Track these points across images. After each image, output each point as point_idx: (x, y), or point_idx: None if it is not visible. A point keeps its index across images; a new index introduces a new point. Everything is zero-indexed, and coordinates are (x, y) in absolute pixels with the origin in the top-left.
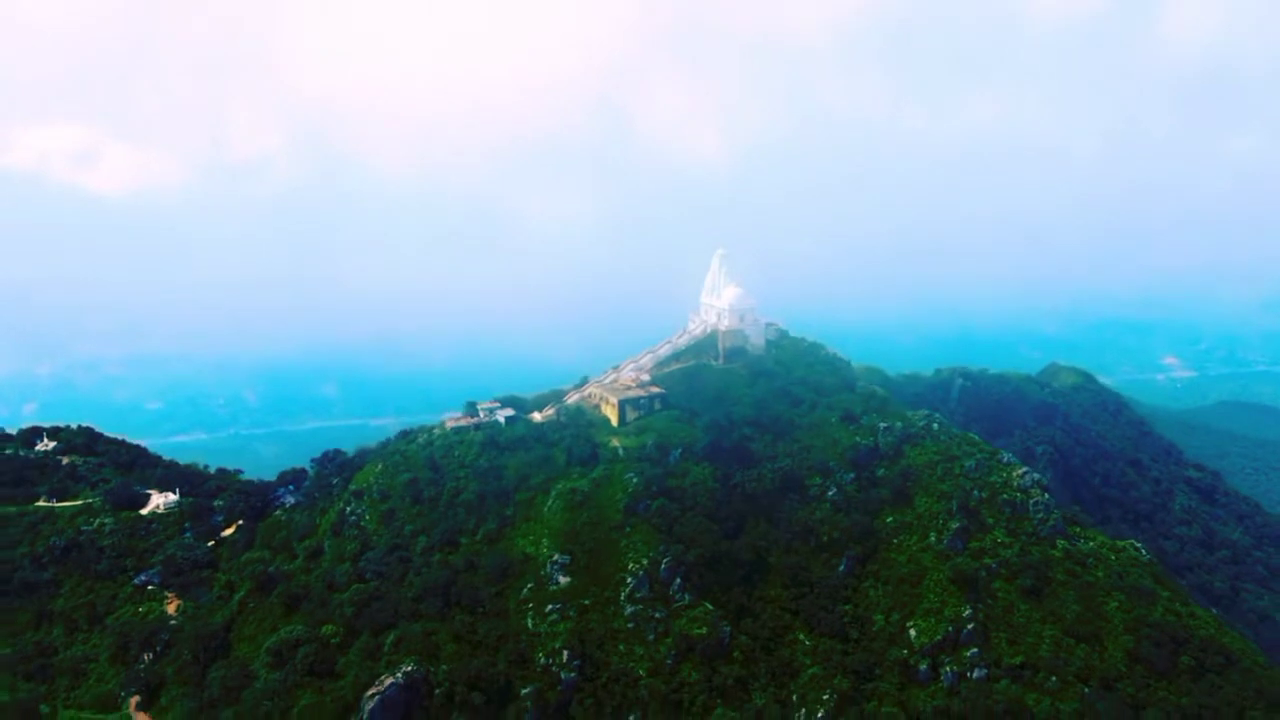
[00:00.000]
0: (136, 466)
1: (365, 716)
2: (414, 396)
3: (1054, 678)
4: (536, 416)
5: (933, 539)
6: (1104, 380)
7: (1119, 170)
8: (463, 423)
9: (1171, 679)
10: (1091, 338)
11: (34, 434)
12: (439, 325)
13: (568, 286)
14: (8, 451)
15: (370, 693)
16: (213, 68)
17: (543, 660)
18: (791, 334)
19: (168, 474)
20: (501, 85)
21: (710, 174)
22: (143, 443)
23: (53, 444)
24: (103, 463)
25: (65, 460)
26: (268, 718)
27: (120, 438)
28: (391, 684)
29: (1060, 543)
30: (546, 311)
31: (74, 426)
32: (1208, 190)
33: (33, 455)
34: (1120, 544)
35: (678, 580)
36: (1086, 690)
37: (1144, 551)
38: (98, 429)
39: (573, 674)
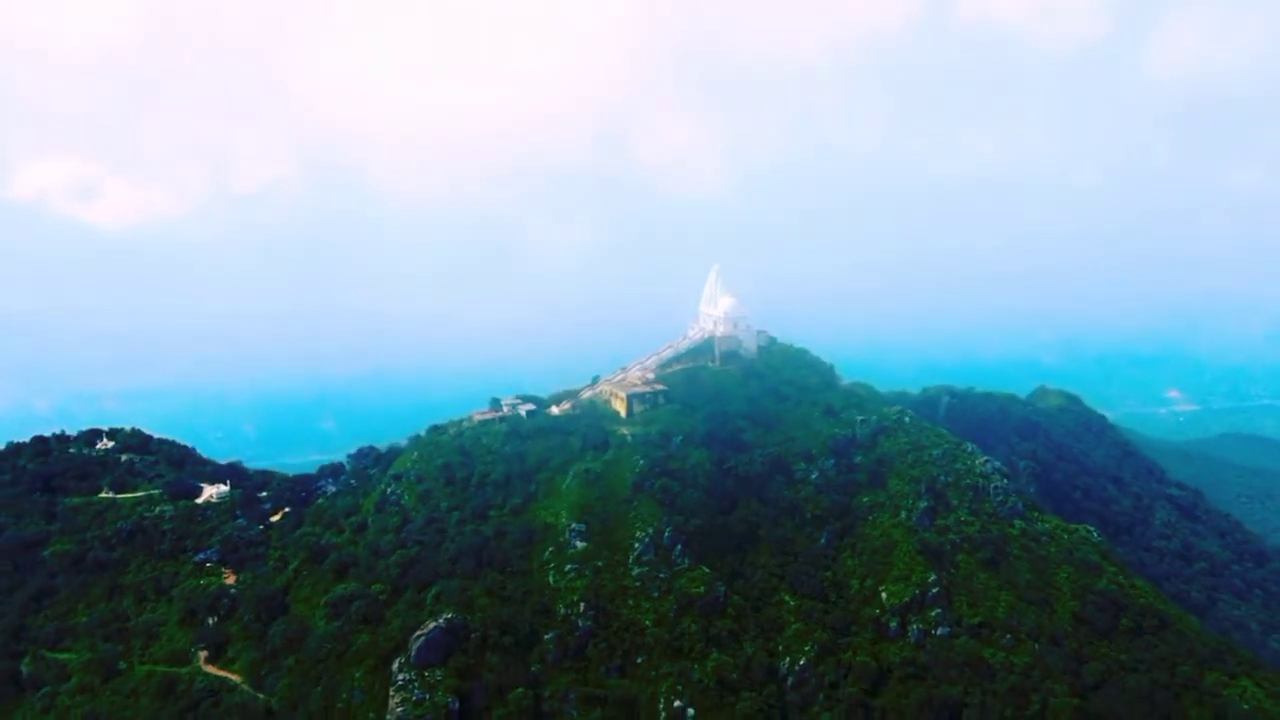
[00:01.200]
0: (186, 464)
1: (412, 654)
2: (411, 429)
3: (1008, 635)
4: (554, 410)
5: (903, 516)
6: (1105, 413)
7: (1121, 202)
8: (488, 416)
9: (1112, 638)
10: (1093, 370)
11: (94, 435)
12: (440, 356)
13: (572, 311)
14: (71, 450)
15: (416, 634)
16: (217, 100)
17: (562, 611)
18: (779, 341)
19: (216, 470)
20: (508, 116)
21: (710, 200)
22: None
23: (111, 443)
24: (157, 460)
25: (124, 458)
26: (328, 656)
27: (170, 439)
28: (434, 627)
29: (1018, 522)
30: (547, 338)
31: (127, 429)
32: (1210, 222)
33: (94, 453)
34: (1073, 526)
35: (679, 547)
36: (1036, 646)
37: (1095, 534)
38: (146, 431)
39: (588, 622)
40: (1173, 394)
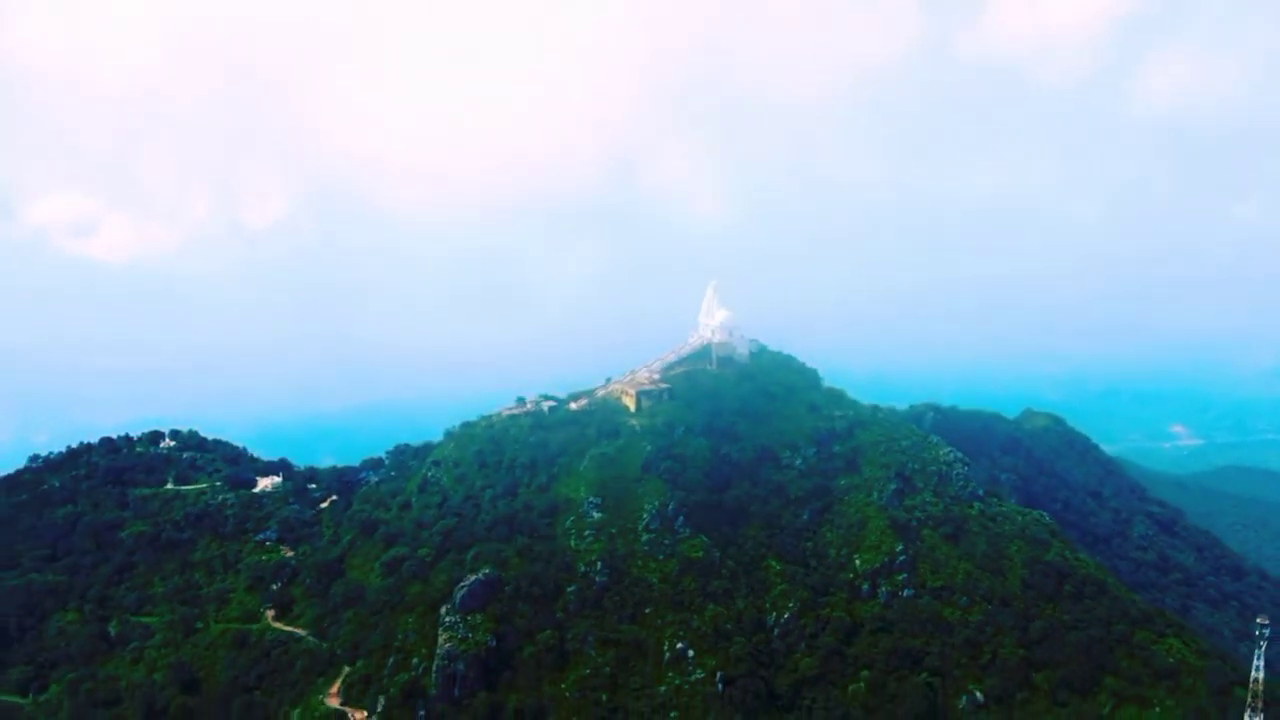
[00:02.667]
0: (240, 460)
1: (457, 602)
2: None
3: (965, 597)
4: (573, 406)
5: (875, 496)
6: (1108, 448)
7: (1121, 234)
8: (515, 411)
9: (1056, 601)
10: (1096, 405)
11: (157, 436)
12: (444, 389)
13: (580, 333)
14: (138, 449)
15: (460, 586)
16: (223, 132)
17: (582, 569)
18: (769, 349)
19: (268, 465)
20: (517, 149)
21: (713, 229)
22: None
23: (173, 443)
24: (214, 457)
25: (185, 455)
26: (384, 607)
27: (223, 439)
28: (475, 580)
29: (976, 504)
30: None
31: (184, 431)
32: (1213, 256)
33: (158, 451)
34: (1027, 510)
35: (680, 518)
36: (989, 606)
37: (1047, 517)
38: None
39: (604, 578)
40: (1177, 429)
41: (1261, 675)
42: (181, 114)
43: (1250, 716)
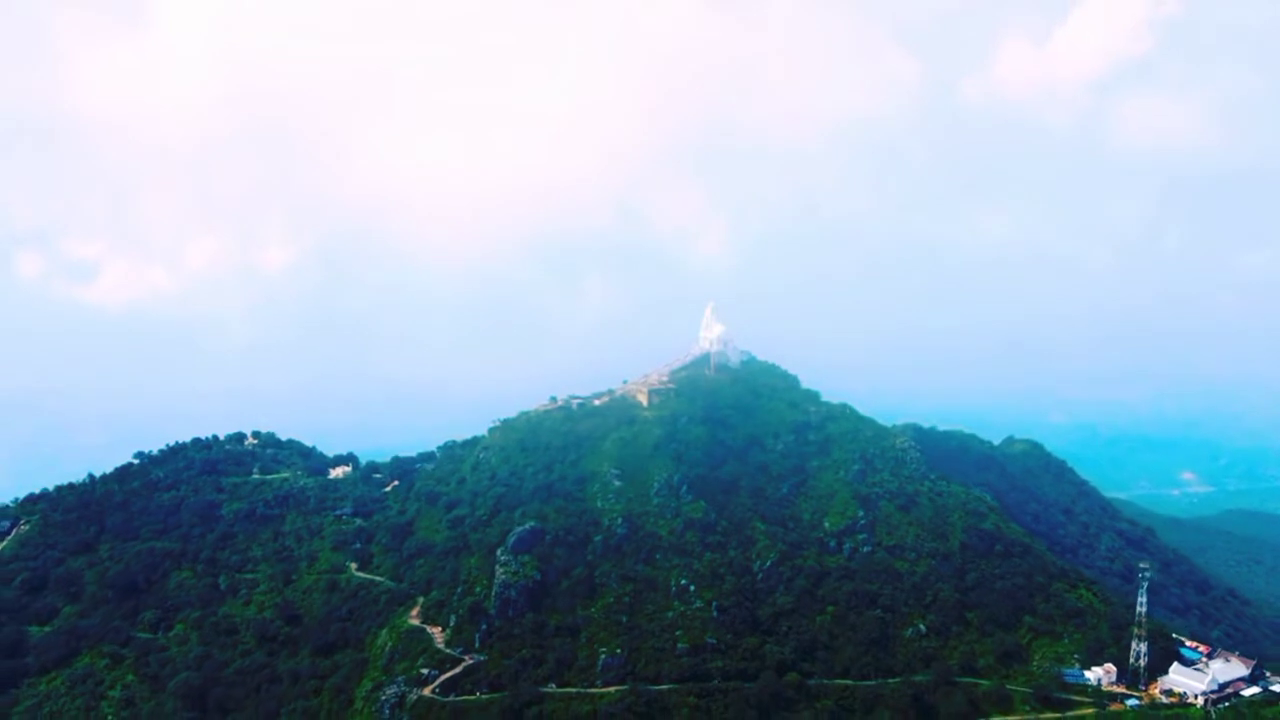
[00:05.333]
0: (311, 455)
1: (510, 545)
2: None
3: (913, 554)
4: (596, 402)
5: (842, 474)
6: (1116, 494)
7: (1131, 281)
8: (548, 407)
9: (988, 559)
10: (1104, 453)
11: (241, 436)
12: (453, 421)
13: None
14: (227, 446)
15: (512, 533)
16: (237, 172)
17: (605, 523)
18: (757, 358)
19: (337, 458)
20: (527, 189)
21: (717, 268)
22: None
23: (254, 441)
24: (290, 453)
25: (266, 451)
26: (449, 553)
27: (296, 439)
28: (523, 529)
29: (926, 483)
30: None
31: (263, 431)
32: (1222, 303)
33: (243, 448)
34: (971, 490)
35: (684, 487)
36: (932, 561)
37: (989, 497)
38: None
39: (623, 531)
40: (1187, 476)
41: (1144, 610)
42: (193, 152)
43: (1136, 643)
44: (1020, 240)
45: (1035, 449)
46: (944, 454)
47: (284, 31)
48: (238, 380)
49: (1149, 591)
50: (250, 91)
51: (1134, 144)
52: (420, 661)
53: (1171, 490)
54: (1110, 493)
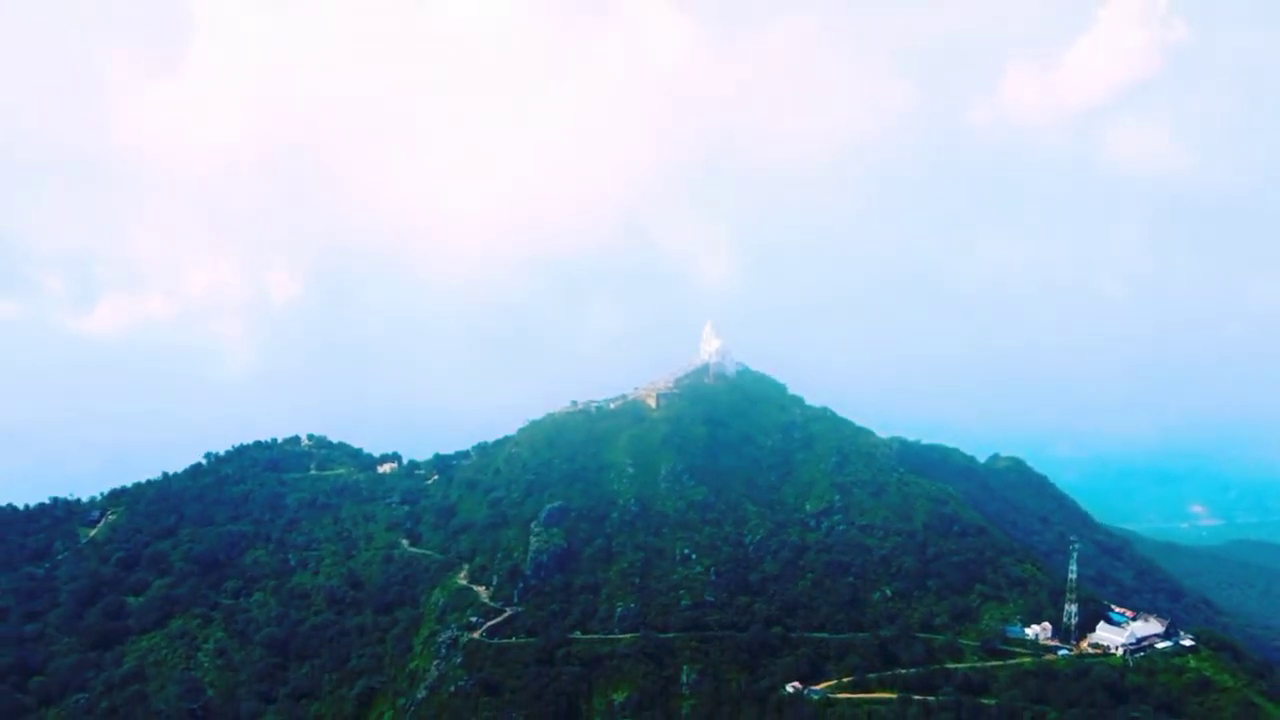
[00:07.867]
0: (359, 455)
1: (542, 518)
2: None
3: (882, 532)
4: (611, 405)
5: (822, 467)
6: (1125, 527)
7: (1141, 311)
8: (570, 410)
9: (947, 537)
10: (1113, 486)
11: (296, 439)
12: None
13: (586, 387)
14: (286, 447)
15: (543, 510)
16: (243, 195)
17: (621, 502)
18: (751, 369)
19: (383, 456)
20: (533, 209)
21: (723, 289)
22: None
23: (309, 443)
24: (341, 453)
25: (321, 451)
26: (489, 528)
27: (345, 442)
28: (552, 507)
29: (894, 476)
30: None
31: (315, 435)
32: (1233, 334)
33: (300, 449)
34: (935, 482)
35: (687, 475)
36: (899, 539)
37: (951, 489)
38: (329, 438)
39: (636, 509)
40: (1197, 509)
41: (1075, 577)
42: (196, 175)
43: (1068, 605)
44: (1025, 266)
45: (1018, 465)
46: (926, 464)
47: (294, 64)
48: (240, 409)
49: (1078, 562)
50: (262, 125)
51: (1139, 170)
52: (469, 612)
53: (1181, 523)
54: (1118, 525)
